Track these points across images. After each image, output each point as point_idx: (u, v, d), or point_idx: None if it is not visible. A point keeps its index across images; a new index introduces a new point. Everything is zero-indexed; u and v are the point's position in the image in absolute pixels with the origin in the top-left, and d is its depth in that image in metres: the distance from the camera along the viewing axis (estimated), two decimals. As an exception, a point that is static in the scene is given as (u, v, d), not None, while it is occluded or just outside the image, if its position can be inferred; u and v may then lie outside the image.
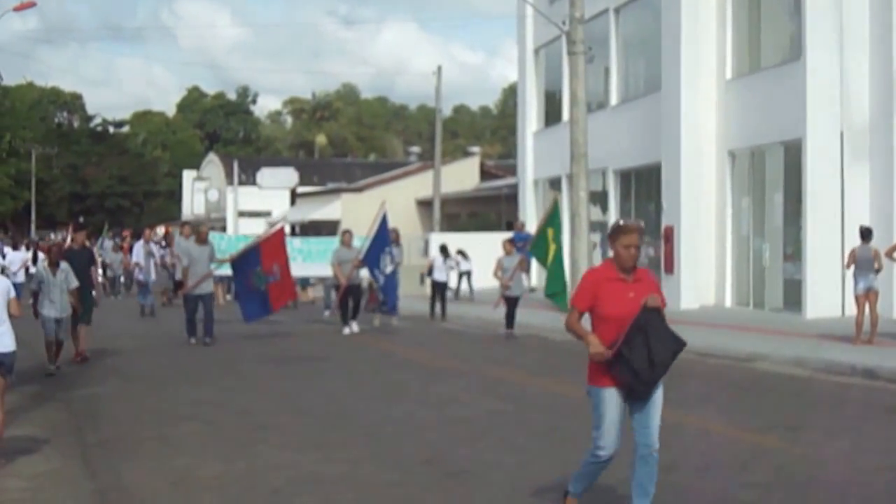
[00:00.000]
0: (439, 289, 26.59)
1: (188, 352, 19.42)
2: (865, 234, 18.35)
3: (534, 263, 26.65)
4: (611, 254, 7.26)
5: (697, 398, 13.80)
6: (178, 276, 26.06)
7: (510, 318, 22.09)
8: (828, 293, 23.02)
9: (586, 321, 7.34)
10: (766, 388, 14.62)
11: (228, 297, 34.21)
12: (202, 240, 21.31)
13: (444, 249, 27.43)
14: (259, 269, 21.42)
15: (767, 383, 15.05)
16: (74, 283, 16.10)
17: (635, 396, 7.22)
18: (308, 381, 15.61)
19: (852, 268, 18.38)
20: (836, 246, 23.01)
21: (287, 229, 41.50)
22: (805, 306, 23.18)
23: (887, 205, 22.80)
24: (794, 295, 24.05)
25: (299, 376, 16.08)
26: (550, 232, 22.44)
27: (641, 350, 6.97)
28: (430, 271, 26.89)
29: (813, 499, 8.31)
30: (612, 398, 7.23)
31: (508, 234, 38.47)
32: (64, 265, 16.11)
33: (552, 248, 22.40)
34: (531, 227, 31.85)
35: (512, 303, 22.09)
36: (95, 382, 14.98)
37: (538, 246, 22.55)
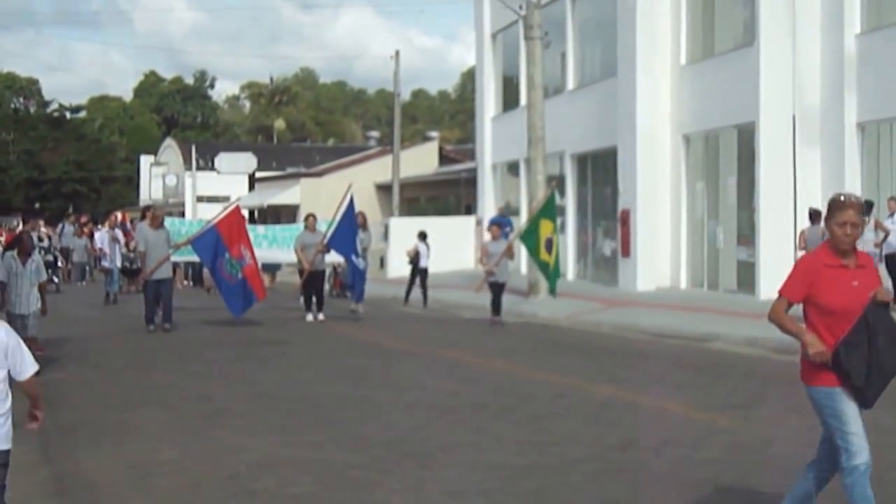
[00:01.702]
0: (422, 275, 25.98)
1: (148, 338, 19.29)
2: (814, 215, 18.59)
3: (522, 252, 26.13)
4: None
5: (653, 378, 13.92)
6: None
7: (497, 305, 21.28)
8: (780, 274, 22.76)
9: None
10: (721, 367, 14.75)
11: (186, 282, 34.04)
12: (157, 224, 20.89)
13: (423, 236, 26.82)
14: (227, 255, 20.77)
15: (722, 363, 15.19)
16: (44, 275, 15.42)
17: (859, 402, 6.06)
18: (268, 365, 15.57)
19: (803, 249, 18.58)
20: (789, 228, 23.23)
21: (245, 214, 41.25)
22: (758, 287, 23.37)
23: (838, 187, 22.97)
24: (747, 276, 24.25)
25: (260, 361, 16.02)
26: (546, 224, 22.03)
27: (862, 353, 5.90)
28: (416, 258, 26.20)
29: (765, 474, 8.40)
30: (844, 395, 6.04)
31: (468, 218, 38.69)
32: (35, 256, 15.25)
33: (553, 240, 22.27)
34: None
35: (498, 289, 21.30)
36: (53, 369, 14.87)
37: (529, 235, 22.03)
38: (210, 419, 11.08)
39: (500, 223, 24.66)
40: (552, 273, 22.90)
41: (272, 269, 30.46)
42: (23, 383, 5.98)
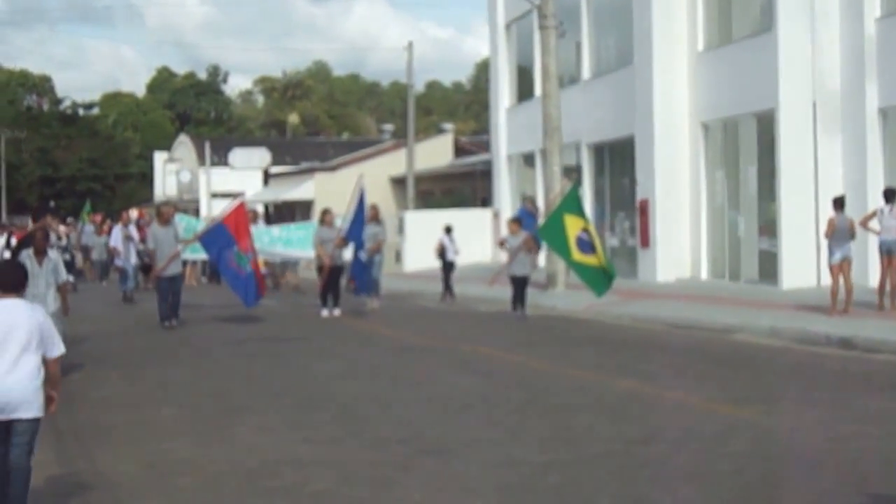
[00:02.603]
0: (449, 269, 25.93)
1: (162, 335, 19.35)
2: (840, 203, 18.44)
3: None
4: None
5: (674, 371, 13.86)
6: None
7: (521, 299, 21.10)
8: (803, 264, 23.14)
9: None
10: (743, 359, 14.69)
11: (203, 278, 34.10)
12: (165, 220, 21.08)
13: (448, 229, 26.62)
14: (236, 248, 20.86)
15: (744, 355, 15.13)
16: (64, 275, 14.18)
17: None
18: (284, 362, 15.58)
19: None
20: (811, 216, 23.16)
21: (260, 209, 41.29)
22: (780, 277, 23.31)
23: (860, 174, 22.91)
24: (769, 266, 24.17)
25: (275, 358, 16.04)
26: (572, 221, 20.37)
27: None
28: (443, 252, 26.02)
29: (789, 468, 8.36)
30: None
31: (484, 210, 38.66)
32: (53, 254, 14.28)
33: (591, 235, 20.42)
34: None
35: (520, 283, 21.12)
36: (68, 368, 14.90)
37: (551, 231, 20.74)
38: (227, 417, 11.08)
39: (521, 218, 23.94)
40: (603, 273, 20.60)
41: (290, 266, 30.29)
42: (48, 361, 6.90)
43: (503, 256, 22.99)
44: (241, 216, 21.40)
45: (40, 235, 14.19)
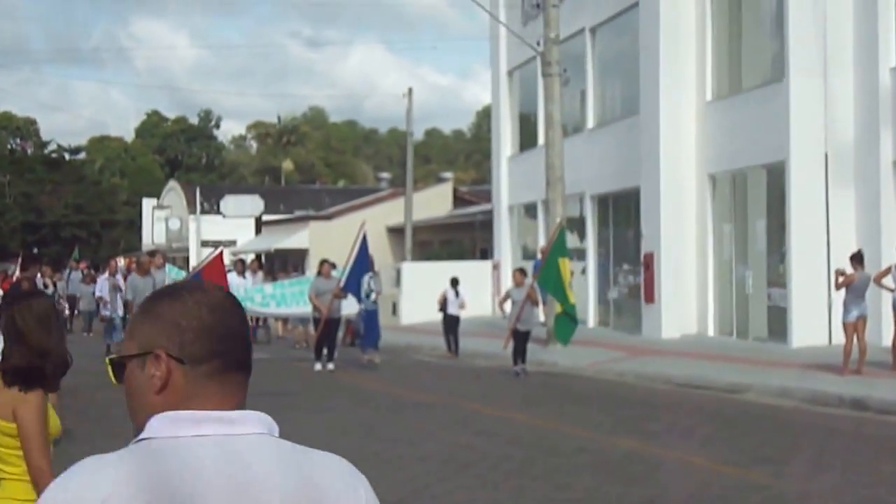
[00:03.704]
0: (453, 323, 25.69)
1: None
2: (859, 259, 18.41)
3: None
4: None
5: (680, 431, 13.84)
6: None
7: (522, 353, 21.16)
8: (814, 321, 23.10)
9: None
10: (751, 420, 14.67)
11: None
12: (145, 271, 21.26)
13: (454, 282, 26.44)
14: None
15: (752, 415, 15.11)
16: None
17: None
18: (276, 417, 15.46)
19: (842, 294, 18.46)
20: (822, 272, 23.12)
21: (251, 257, 41.33)
22: (790, 335, 23.27)
23: (873, 228, 22.92)
24: (778, 323, 24.16)
25: (266, 413, 15.94)
26: (564, 263, 21.59)
27: None
28: (444, 305, 25.91)
29: (799, 535, 8.34)
30: None
31: (484, 262, 38.71)
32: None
33: (566, 278, 21.59)
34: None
35: (522, 337, 21.19)
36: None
37: (549, 277, 21.58)
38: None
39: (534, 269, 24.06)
40: (572, 320, 22.09)
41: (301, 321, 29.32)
42: None
43: (507, 308, 22.89)
44: (218, 266, 21.52)
45: (27, 286, 13.68)
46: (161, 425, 2.10)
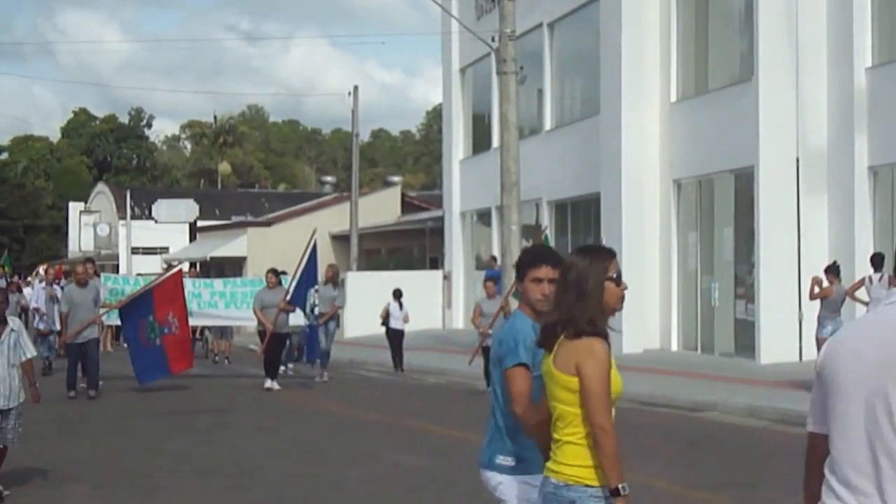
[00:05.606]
0: (396, 337, 25.30)
1: (72, 407, 19.05)
2: (836, 271, 18.47)
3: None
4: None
5: (640, 452, 13.82)
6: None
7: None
8: (784, 335, 23.15)
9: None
10: (717, 440, 14.71)
11: (123, 343, 33.40)
12: (82, 282, 20.78)
13: (396, 294, 25.92)
14: (151, 317, 20.70)
15: (718, 435, 15.15)
16: (31, 350, 11.37)
17: None
18: (210, 438, 15.41)
19: (815, 307, 18.53)
20: (793, 283, 23.17)
21: (185, 268, 41.00)
22: (759, 350, 23.34)
23: (847, 238, 22.97)
24: (746, 338, 24.24)
25: (201, 433, 15.86)
26: None
27: None
28: (387, 319, 25.52)
29: (769, 562, 8.35)
30: None
31: (434, 272, 38.67)
32: (16, 323, 11.36)
33: None
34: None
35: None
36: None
37: None
38: (145, 498, 10.92)
39: (494, 277, 23.70)
40: None
41: (226, 331, 29.06)
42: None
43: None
44: (175, 285, 21.38)
45: (1, 297, 11.55)
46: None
